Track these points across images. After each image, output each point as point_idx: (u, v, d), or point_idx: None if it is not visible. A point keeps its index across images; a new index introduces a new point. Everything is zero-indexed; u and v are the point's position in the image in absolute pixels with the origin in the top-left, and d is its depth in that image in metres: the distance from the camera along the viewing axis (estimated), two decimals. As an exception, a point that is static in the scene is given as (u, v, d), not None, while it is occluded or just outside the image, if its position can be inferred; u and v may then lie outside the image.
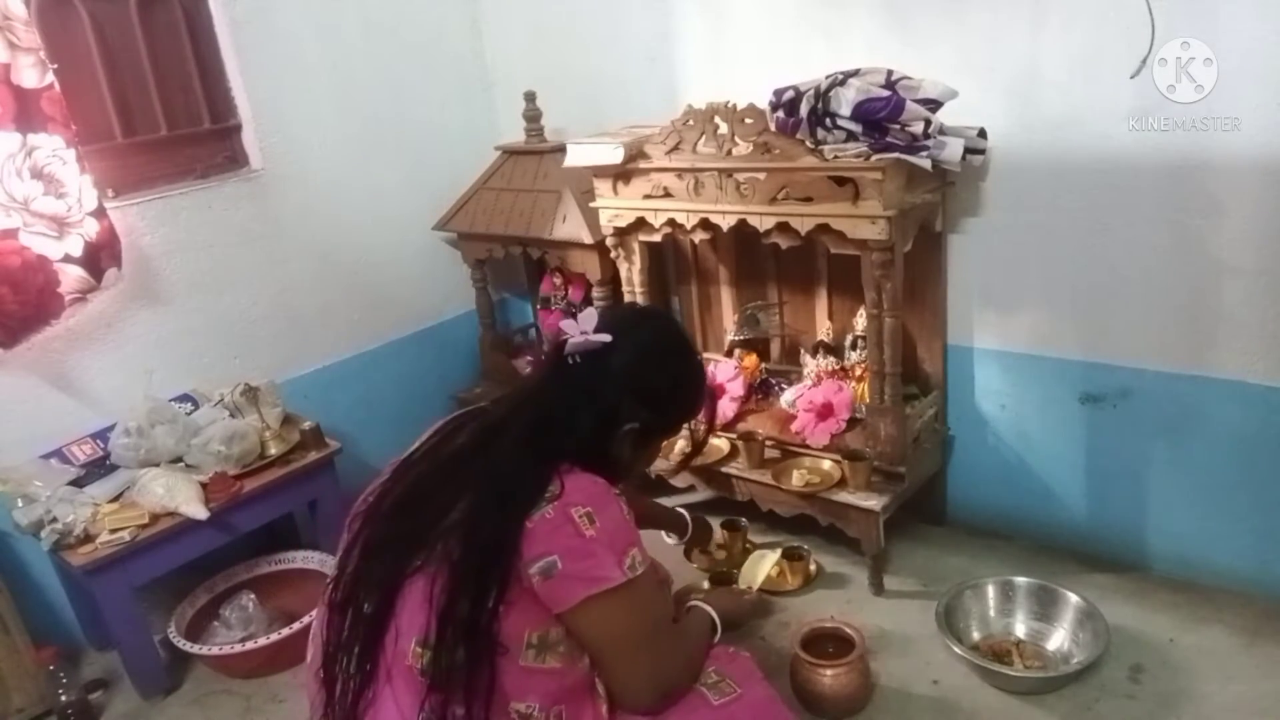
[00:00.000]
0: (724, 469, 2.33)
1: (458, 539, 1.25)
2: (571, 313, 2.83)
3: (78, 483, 2.13)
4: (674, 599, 2.21)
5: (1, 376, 2.14)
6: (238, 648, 2.10)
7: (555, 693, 1.27)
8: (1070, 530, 2.27)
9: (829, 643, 1.90)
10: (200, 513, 2.05)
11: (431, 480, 1.36)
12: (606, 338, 1.36)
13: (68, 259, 2.10)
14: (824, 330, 2.47)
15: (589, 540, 1.24)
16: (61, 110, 2.06)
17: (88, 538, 2.00)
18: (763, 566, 2.08)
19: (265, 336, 2.62)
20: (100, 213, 2.15)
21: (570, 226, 2.58)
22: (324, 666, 1.31)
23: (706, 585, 2.19)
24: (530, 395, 1.43)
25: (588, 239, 2.53)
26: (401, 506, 1.34)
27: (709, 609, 1.59)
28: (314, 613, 1.48)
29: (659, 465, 2.12)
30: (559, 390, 1.39)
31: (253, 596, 2.26)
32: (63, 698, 2.03)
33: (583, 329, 1.37)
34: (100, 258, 2.17)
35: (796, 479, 2.21)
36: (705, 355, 2.68)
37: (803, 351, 2.47)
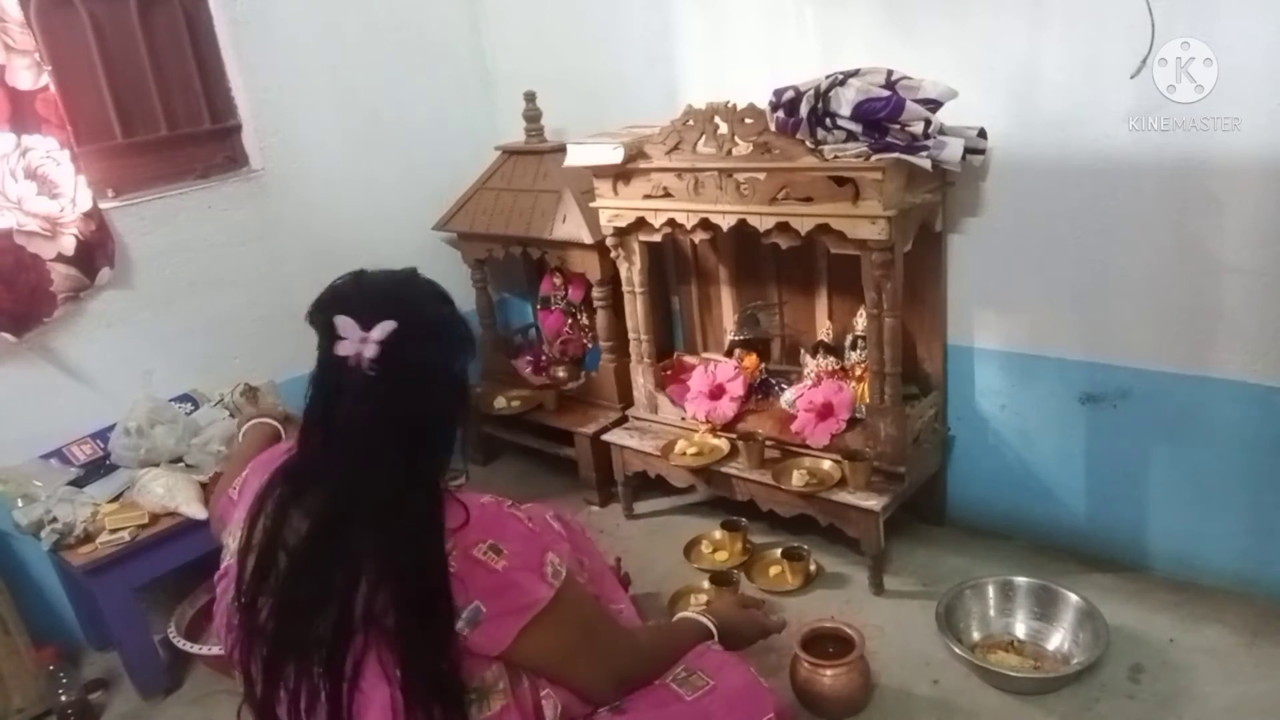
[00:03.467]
0: (724, 469, 2.33)
1: (385, 605, 1.13)
2: (572, 313, 2.89)
3: (78, 483, 2.13)
4: (670, 600, 2.22)
5: (2, 376, 2.14)
6: (238, 648, 2.10)
7: None
8: (1070, 530, 2.27)
9: (829, 643, 1.90)
10: (200, 513, 2.05)
11: (308, 563, 1.17)
12: (393, 324, 1.15)
13: (60, 258, 2.12)
14: (824, 330, 2.47)
15: (503, 573, 1.16)
16: (56, 112, 2.07)
17: (88, 538, 2.00)
18: None
19: (265, 336, 2.61)
20: (94, 213, 2.16)
21: (570, 226, 2.58)
22: None
23: (707, 586, 2.19)
24: (357, 427, 1.18)
25: (588, 239, 2.53)
26: (290, 606, 1.18)
27: (705, 620, 1.54)
28: None
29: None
30: (380, 405, 1.16)
31: (253, 596, 2.26)
32: (63, 698, 2.03)
33: (361, 336, 1.14)
34: (94, 257, 2.18)
35: (796, 479, 2.21)
36: (705, 355, 2.70)
37: (803, 351, 2.47)
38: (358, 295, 1.20)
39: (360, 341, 1.14)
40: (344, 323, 1.14)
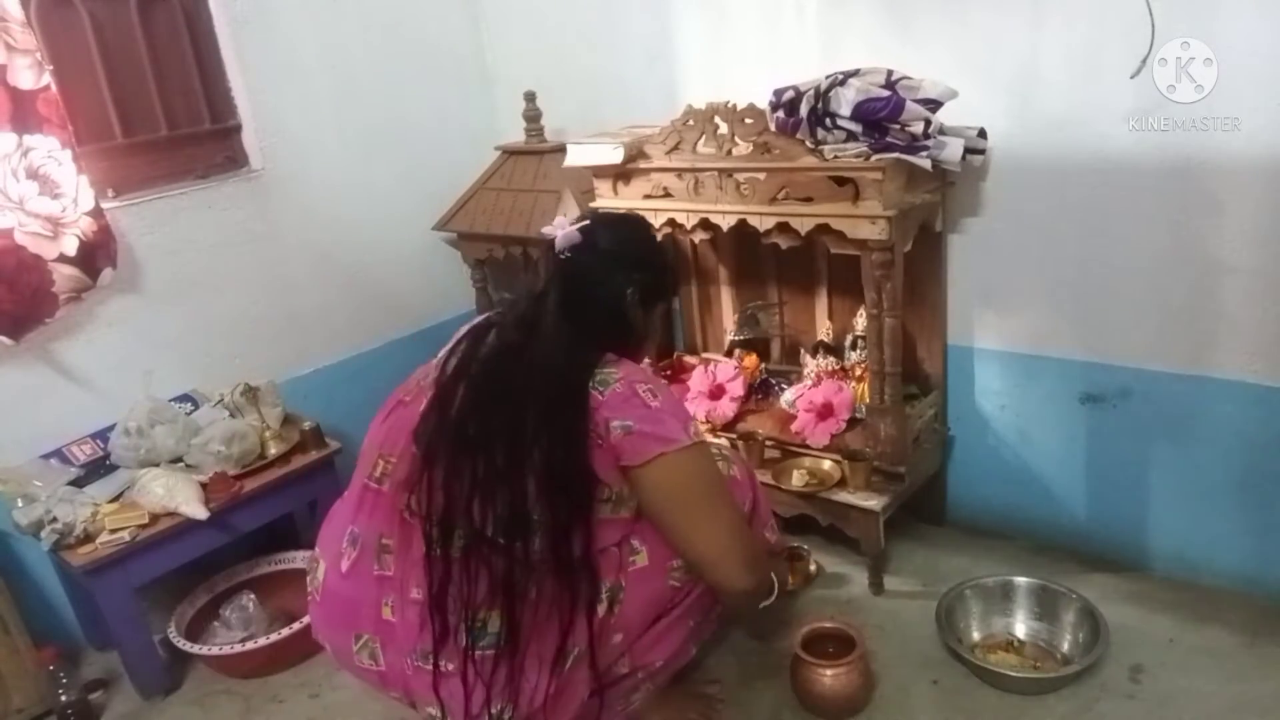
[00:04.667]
0: (724, 469, 2.33)
1: (540, 419, 1.41)
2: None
3: (78, 483, 2.13)
4: None
5: (2, 377, 2.14)
6: (238, 648, 2.10)
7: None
8: (1070, 530, 2.27)
9: (829, 643, 1.90)
10: (200, 513, 2.05)
11: (491, 381, 1.49)
12: (585, 221, 1.59)
13: (62, 259, 2.11)
14: (824, 330, 2.47)
15: (656, 409, 1.43)
16: (58, 111, 2.06)
17: (88, 538, 2.00)
18: None
19: (265, 336, 2.61)
20: (96, 213, 2.15)
21: (570, 226, 2.58)
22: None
23: None
24: (547, 287, 1.56)
25: (588, 239, 2.52)
26: (477, 413, 1.47)
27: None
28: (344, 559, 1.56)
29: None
30: (568, 278, 1.55)
31: (253, 596, 2.26)
32: (63, 698, 2.03)
33: (562, 229, 1.57)
34: (96, 257, 2.17)
35: (796, 479, 2.21)
36: (705, 355, 2.70)
37: (803, 351, 2.47)
38: (590, 213, 1.79)
39: (562, 231, 1.56)
40: (559, 220, 1.59)
